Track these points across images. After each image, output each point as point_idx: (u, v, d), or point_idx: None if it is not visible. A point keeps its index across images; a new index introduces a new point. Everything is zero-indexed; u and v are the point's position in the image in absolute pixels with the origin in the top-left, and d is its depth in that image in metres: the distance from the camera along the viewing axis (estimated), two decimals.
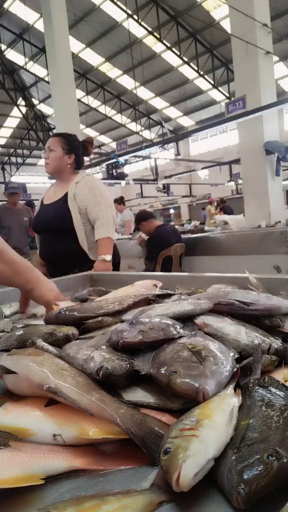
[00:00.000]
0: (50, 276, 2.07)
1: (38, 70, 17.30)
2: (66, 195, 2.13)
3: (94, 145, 2.38)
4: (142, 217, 4.11)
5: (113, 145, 19.84)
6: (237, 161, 10.28)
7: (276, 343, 0.64)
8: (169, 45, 15.47)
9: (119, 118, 20.63)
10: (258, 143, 6.72)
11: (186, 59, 15.96)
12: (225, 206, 10.87)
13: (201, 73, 16.39)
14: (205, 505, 0.38)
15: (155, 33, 15.00)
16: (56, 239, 2.11)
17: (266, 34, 6.75)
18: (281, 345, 0.64)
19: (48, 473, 0.43)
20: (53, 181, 2.37)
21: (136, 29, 14.69)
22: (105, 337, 0.68)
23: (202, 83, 17.39)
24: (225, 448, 0.41)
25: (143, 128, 20.26)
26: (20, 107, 19.89)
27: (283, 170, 7.32)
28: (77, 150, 2.22)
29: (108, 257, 1.99)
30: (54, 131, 19.44)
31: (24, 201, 8.81)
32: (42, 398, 0.54)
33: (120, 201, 7.74)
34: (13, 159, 24.25)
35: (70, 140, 2.22)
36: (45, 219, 2.20)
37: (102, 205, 2.08)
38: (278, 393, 0.49)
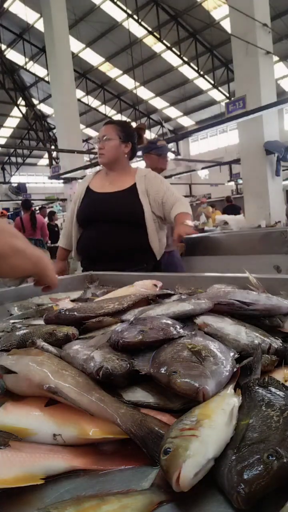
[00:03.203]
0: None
1: (38, 70, 17.31)
2: (133, 187, 1.98)
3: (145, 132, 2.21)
4: None
5: None
6: (237, 161, 10.29)
7: (276, 343, 0.64)
8: (169, 45, 15.47)
9: (119, 118, 20.64)
10: (258, 143, 6.73)
11: (186, 59, 15.96)
12: (227, 206, 10.81)
13: (201, 73, 16.39)
14: (205, 505, 0.38)
15: (155, 33, 15.00)
16: (124, 232, 1.92)
17: (266, 34, 6.76)
18: (281, 345, 0.64)
19: (48, 473, 0.43)
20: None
21: (136, 29, 14.69)
22: (105, 337, 0.68)
23: (202, 83, 17.39)
24: (225, 448, 0.40)
25: None
26: (20, 107, 19.90)
27: (283, 170, 7.32)
28: (133, 138, 2.06)
29: (190, 222, 1.84)
30: (54, 131, 19.46)
31: (20, 201, 8.79)
32: (42, 398, 0.54)
33: None
34: (13, 159, 24.26)
35: (126, 127, 2.06)
36: (109, 208, 1.96)
37: (176, 193, 2.02)
38: (278, 393, 0.49)
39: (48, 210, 11.42)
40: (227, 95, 16.82)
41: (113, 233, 1.91)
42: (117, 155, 2.00)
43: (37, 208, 11.26)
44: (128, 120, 20.63)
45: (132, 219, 1.93)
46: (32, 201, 9.96)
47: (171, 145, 19.94)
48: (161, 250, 2.04)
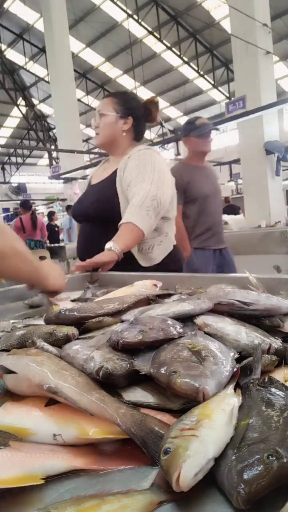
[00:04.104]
0: None
1: (38, 70, 17.32)
2: (115, 172, 1.63)
3: (159, 109, 1.77)
4: None
5: None
6: (237, 161, 10.30)
7: (276, 343, 0.64)
8: (169, 45, 15.48)
9: None
10: (258, 143, 6.74)
11: (186, 59, 15.97)
12: (226, 207, 10.80)
13: (201, 73, 16.40)
14: (205, 505, 0.38)
15: (155, 33, 15.01)
16: (98, 231, 1.59)
17: (266, 34, 6.77)
18: (281, 345, 0.64)
19: (48, 473, 0.43)
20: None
21: (136, 29, 14.71)
22: (105, 337, 0.68)
23: (202, 83, 17.41)
24: (225, 448, 0.40)
25: None
26: (20, 107, 19.91)
27: (283, 170, 7.33)
28: (135, 112, 1.68)
29: (116, 247, 1.40)
30: (54, 131, 19.47)
31: (19, 201, 8.81)
32: (42, 398, 0.54)
33: None
34: (13, 159, 24.28)
35: (126, 99, 1.69)
36: (84, 204, 1.69)
37: (146, 183, 1.50)
38: (278, 393, 0.49)
39: (48, 210, 11.44)
40: (227, 95, 16.84)
41: (92, 235, 1.59)
42: (114, 134, 1.66)
43: (38, 210, 11.27)
44: None
45: (105, 214, 1.58)
46: (32, 201, 9.99)
47: (171, 145, 19.81)
48: (149, 255, 1.61)
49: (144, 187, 1.49)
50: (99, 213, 1.63)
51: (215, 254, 2.72)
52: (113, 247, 1.40)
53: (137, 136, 1.74)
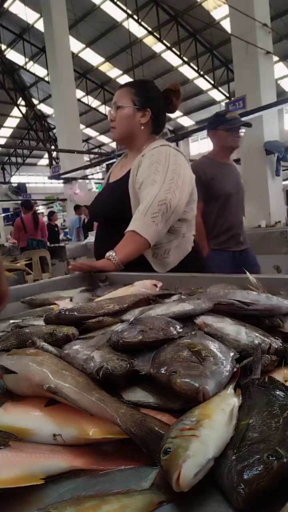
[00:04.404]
0: None
1: (38, 70, 17.32)
2: (129, 173, 1.54)
3: (181, 95, 1.65)
4: None
5: (113, 145, 19.84)
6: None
7: (276, 343, 0.64)
8: (169, 45, 15.47)
9: None
10: (258, 143, 6.73)
11: (186, 59, 15.96)
12: None
13: (201, 73, 16.39)
14: (205, 505, 0.38)
15: (155, 33, 15.00)
16: (110, 232, 1.52)
17: (266, 34, 6.77)
18: (281, 345, 0.64)
19: (48, 473, 0.43)
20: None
21: (136, 29, 14.69)
22: (105, 337, 0.68)
23: (202, 83, 17.39)
24: (225, 448, 0.40)
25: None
26: (20, 107, 19.90)
27: (283, 170, 7.33)
28: (154, 103, 1.57)
29: (115, 257, 1.35)
30: (54, 131, 19.46)
31: (19, 201, 8.81)
32: (42, 398, 0.54)
33: None
34: (13, 159, 24.27)
35: (144, 89, 1.57)
36: (99, 203, 1.66)
37: (156, 186, 1.38)
38: (278, 393, 0.49)
39: (48, 210, 11.45)
40: (227, 95, 16.83)
41: (104, 235, 1.56)
42: (131, 128, 1.55)
43: (38, 210, 11.28)
44: None
45: (116, 216, 1.52)
46: (32, 201, 10.01)
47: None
48: (165, 260, 1.51)
49: (153, 190, 1.38)
50: (110, 214, 1.58)
51: (234, 256, 2.57)
52: (111, 257, 1.35)
53: (156, 129, 1.64)
